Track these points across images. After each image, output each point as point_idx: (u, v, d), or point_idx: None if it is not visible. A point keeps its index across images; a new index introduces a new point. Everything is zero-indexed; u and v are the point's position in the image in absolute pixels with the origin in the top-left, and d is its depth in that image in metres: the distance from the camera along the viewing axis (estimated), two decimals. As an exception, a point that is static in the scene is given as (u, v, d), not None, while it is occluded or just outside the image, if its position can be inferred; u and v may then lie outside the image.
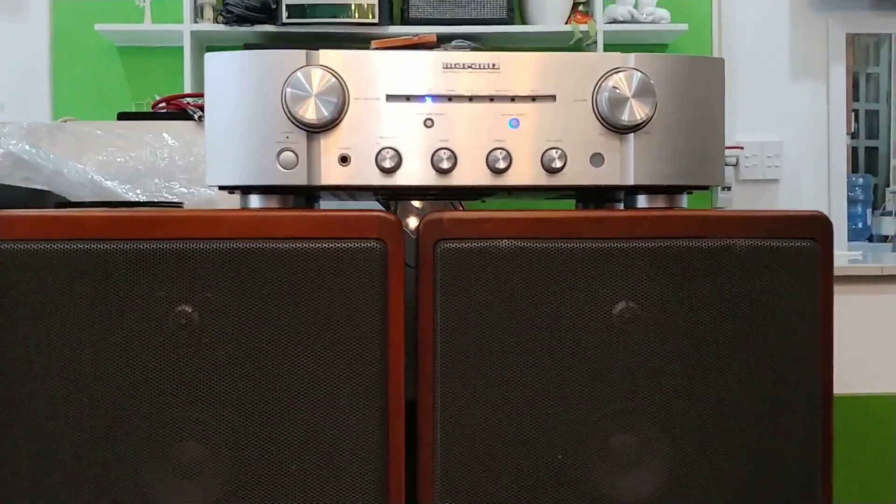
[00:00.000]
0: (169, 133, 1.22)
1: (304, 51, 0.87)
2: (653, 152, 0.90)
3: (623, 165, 0.90)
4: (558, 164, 0.88)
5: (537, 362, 0.87)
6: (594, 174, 0.90)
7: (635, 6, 2.74)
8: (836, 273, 0.92)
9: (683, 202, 0.95)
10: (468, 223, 0.88)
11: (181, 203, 1.10)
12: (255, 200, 0.91)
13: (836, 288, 0.92)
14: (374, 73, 0.88)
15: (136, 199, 1.15)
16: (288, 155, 0.88)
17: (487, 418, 0.87)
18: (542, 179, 0.90)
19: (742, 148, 2.87)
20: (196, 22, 2.64)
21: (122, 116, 1.30)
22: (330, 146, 0.88)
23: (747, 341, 0.89)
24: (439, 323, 0.87)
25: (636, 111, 0.88)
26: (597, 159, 0.90)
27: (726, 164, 2.87)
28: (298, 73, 0.86)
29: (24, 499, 0.83)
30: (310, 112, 0.85)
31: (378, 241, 0.86)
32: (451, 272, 0.87)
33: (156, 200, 1.05)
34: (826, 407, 0.91)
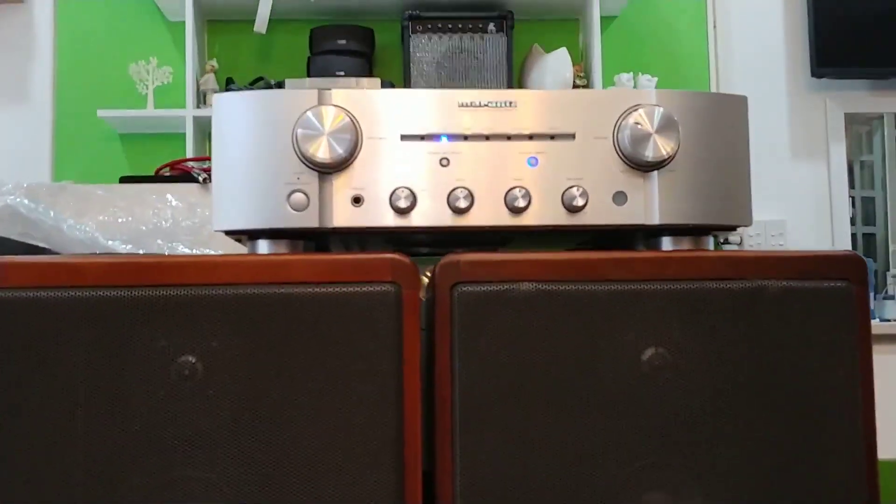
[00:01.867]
0: (173, 194, 1.19)
1: (315, 90, 0.84)
2: (678, 190, 0.87)
3: (647, 204, 0.86)
4: (580, 202, 0.85)
5: (563, 413, 0.82)
6: (617, 213, 0.86)
7: (634, 86, 2.76)
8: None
9: (709, 244, 0.91)
10: (487, 265, 0.84)
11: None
12: (263, 246, 0.87)
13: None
14: (388, 112, 0.85)
15: (138, 258, 1.11)
16: (299, 196, 0.84)
17: (511, 478, 0.81)
18: (563, 219, 0.86)
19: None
20: (198, 108, 2.65)
21: (125, 180, 1.27)
22: (342, 187, 0.85)
23: (781, 389, 0.83)
24: (458, 372, 0.82)
25: (660, 147, 0.85)
26: (620, 198, 0.86)
27: (729, 242, 2.85)
28: (309, 113, 0.83)
29: (11, 565, 0.76)
30: (322, 151, 0.82)
31: (392, 285, 0.82)
32: (470, 317, 0.83)
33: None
34: (870, 461, 0.85)
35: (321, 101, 0.85)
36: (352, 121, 0.84)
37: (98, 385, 0.78)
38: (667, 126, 0.85)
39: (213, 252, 1.18)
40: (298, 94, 0.84)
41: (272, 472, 0.78)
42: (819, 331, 0.85)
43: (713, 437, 0.83)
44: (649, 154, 0.85)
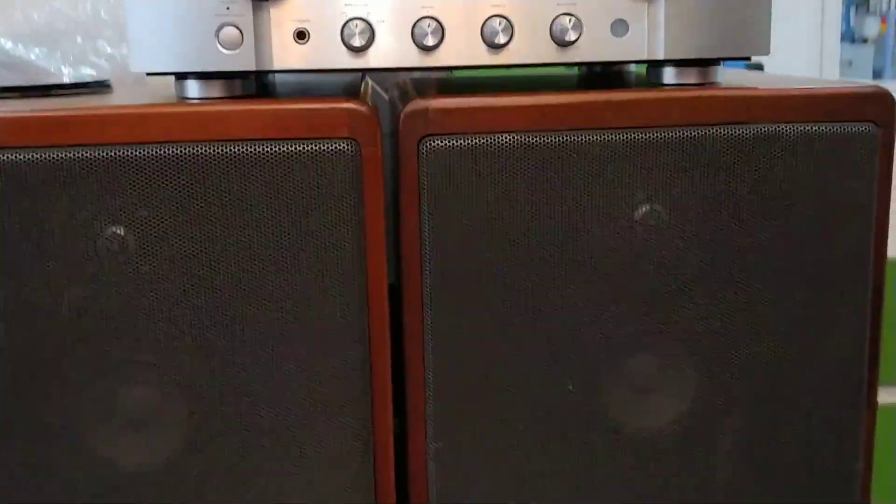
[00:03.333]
0: (88, -19, 1.01)
1: None
2: (688, 17, 0.72)
3: (652, 35, 0.72)
4: (572, 35, 0.71)
5: (545, 279, 0.73)
6: (616, 46, 0.72)
7: None
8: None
9: (719, 76, 0.78)
10: (461, 114, 0.71)
11: (108, 82, 0.91)
12: (192, 88, 0.73)
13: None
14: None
15: (55, 71, 0.95)
16: (229, 31, 0.69)
17: (486, 347, 0.74)
18: (552, 55, 0.72)
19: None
20: None
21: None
22: (283, 19, 0.69)
23: (790, 249, 0.75)
24: (427, 238, 0.72)
25: (671, -33, 0.69)
26: (619, 27, 0.72)
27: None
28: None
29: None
30: (256, -23, 0.66)
31: (349, 143, 0.69)
32: (441, 177, 0.71)
33: (78, 82, 0.85)
34: (875, 316, 0.79)
35: None
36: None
37: (15, 263, 0.68)
38: (682, -61, 0.69)
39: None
40: None
41: (223, 344, 0.70)
42: (836, 182, 0.75)
43: (711, 300, 0.75)
44: (658, -24, 0.69)
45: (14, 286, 0.68)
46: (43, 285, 0.68)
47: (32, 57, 0.95)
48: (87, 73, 0.99)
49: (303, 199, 0.69)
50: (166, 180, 0.67)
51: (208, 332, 0.70)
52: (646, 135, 0.72)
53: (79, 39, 1.00)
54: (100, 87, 0.90)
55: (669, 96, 0.73)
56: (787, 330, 0.76)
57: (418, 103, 0.71)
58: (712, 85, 0.76)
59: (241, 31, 0.69)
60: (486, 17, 0.71)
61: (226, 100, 0.72)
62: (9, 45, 0.94)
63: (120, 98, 0.80)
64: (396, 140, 0.73)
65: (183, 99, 0.73)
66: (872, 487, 0.82)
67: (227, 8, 0.68)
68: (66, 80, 0.96)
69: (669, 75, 0.77)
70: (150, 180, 0.67)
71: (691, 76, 0.77)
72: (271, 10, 0.69)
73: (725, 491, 0.78)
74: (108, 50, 1.01)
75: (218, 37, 0.69)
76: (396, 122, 0.73)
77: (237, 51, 0.69)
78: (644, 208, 0.73)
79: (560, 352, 0.74)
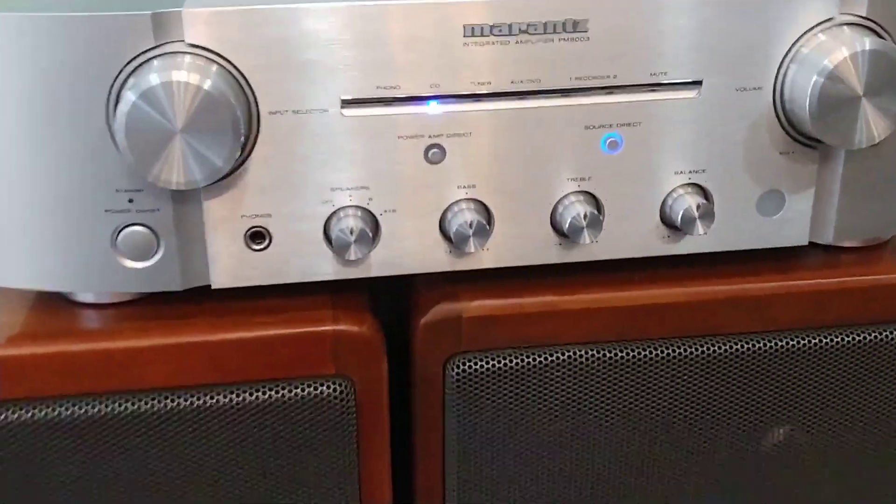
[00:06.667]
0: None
1: (148, 14, 0.37)
2: (871, 189, 0.45)
3: (819, 213, 0.46)
4: (703, 225, 0.44)
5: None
6: (761, 229, 0.46)
7: None
8: None
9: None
10: (506, 322, 0.45)
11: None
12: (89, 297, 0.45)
13: None
14: (314, 48, 0.39)
15: None
16: (136, 235, 0.41)
17: None
18: (659, 247, 0.45)
19: None
20: None
21: None
22: (225, 213, 0.41)
23: None
24: (453, 496, 0.48)
25: (871, 124, 0.42)
26: (769, 203, 0.45)
27: None
28: (152, 76, 0.37)
29: None
30: (172, 172, 0.38)
31: (338, 383, 0.43)
32: (477, 413, 0.46)
33: None
34: None
35: (161, 37, 0.38)
36: (231, 81, 0.38)
37: None
38: (889, 79, 0.41)
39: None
40: (117, 23, 0.37)
41: None
42: None
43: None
44: (858, 136, 0.42)
45: None
46: None
47: None
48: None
49: (276, 452, 0.44)
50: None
51: None
52: (781, 341, 0.47)
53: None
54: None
55: (824, 286, 0.48)
56: None
57: (445, 309, 0.45)
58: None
59: (154, 234, 0.41)
60: (562, 195, 0.43)
61: (138, 308, 0.45)
62: None
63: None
64: (410, 357, 0.47)
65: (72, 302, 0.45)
66: None
67: (130, 201, 0.40)
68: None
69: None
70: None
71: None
72: (205, 201, 0.41)
73: None
74: None
75: (116, 243, 0.41)
76: (411, 331, 0.46)
77: (150, 262, 0.42)
78: (780, 431, 0.49)
79: None
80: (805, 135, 0.43)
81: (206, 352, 0.43)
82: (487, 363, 0.46)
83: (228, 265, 0.42)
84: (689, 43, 0.41)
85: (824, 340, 0.48)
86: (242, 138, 0.38)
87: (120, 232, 0.41)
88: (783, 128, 0.43)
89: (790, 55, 0.42)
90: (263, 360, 0.44)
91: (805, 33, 0.42)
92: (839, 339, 0.48)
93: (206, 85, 0.36)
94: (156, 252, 0.41)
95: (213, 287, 0.42)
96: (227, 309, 0.44)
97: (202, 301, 0.44)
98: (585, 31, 0.40)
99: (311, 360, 0.44)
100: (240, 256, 0.42)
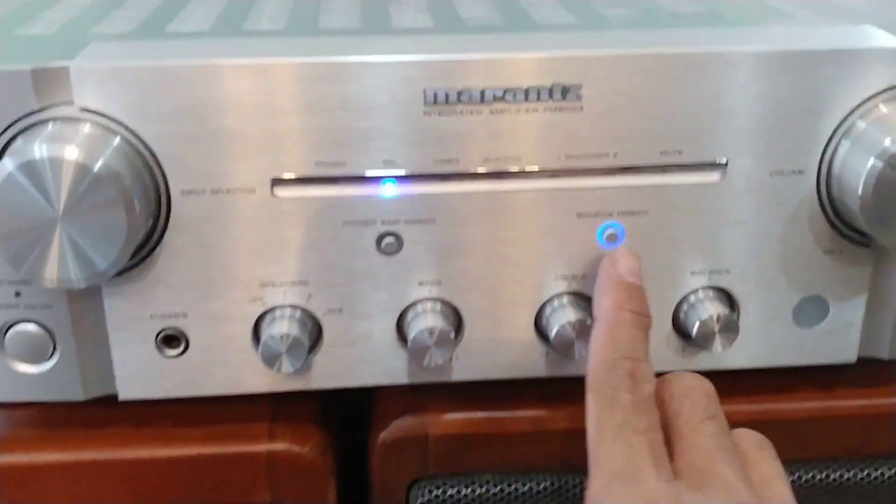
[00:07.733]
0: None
1: (27, 69, 0.30)
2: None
3: (876, 323, 0.37)
4: (724, 341, 0.35)
5: None
6: (800, 344, 0.37)
7: None
8: None
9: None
10: (483, 441, 0.37)
11: None
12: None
13: None
14: (237, 113, 0.31)
15: None
16: (27, 334, 0.34)
17: None
18: (672, 360, 0.37)
19: None
20: None
21: None
22: (131, 312, 0.34)
23: None
24: None
25: (942, 220, 0.33)
26: (810, 311, 0.36)
27: None
28: (34, 152, 0.30)
29: None
30: (47, 264, 0.30)
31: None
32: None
33: None
34: None
35: (46, 98, 0.30)
36: (132, 155, 0.31)
37: None
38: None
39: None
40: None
41: None
42: None
43: None
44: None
45: None
46: None
47: None
48: None
49: None
50: None
51: None
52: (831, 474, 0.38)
53: None
54: None
55: (885, 408, 0.39)
56: None
57: (409, 424, 0.37)
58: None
59: (49, 333, 0.34)
60: (550, 296, 0.35)
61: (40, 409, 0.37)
62: None
63: None
64: (369, 480, 0.39)
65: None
66: None
67: (17, 294, 0.33)
68: None
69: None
70: None
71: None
72: (107, 298, 0.33)
73: None
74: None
75: (3, 343, 0.34)
76: (369, 456, 0.38)
77: (45, 366, 0.34)
78: None
79: None
80: (856, 230, 0.35)
81: (117, 471, 0.36)
82: (459, 491, 0.38)
83: (137, 373, 0.34)
84: (711, 113, 0.33)
85: (873, 474, 0.39)
86: (142, 235, 0.31)
87: (7, 330, 0.34)
88: (829, 221, 0.35)
89: (841, 130, 0.34)
90: (185, 483, 0.36)
91: (862, 104, 0.33)
92: (892, 473, 0.39)
93: (97, 166, 0.29)
94: (51, 355, 0.34)
95: (120, 399, 0.35)
96: (145, 416, 0.37)
97: (115, 404, 0.37)
98: (579, 99, 0.32)
99: (242, 484, 0.36)
100: (150, 363, 0.34)
